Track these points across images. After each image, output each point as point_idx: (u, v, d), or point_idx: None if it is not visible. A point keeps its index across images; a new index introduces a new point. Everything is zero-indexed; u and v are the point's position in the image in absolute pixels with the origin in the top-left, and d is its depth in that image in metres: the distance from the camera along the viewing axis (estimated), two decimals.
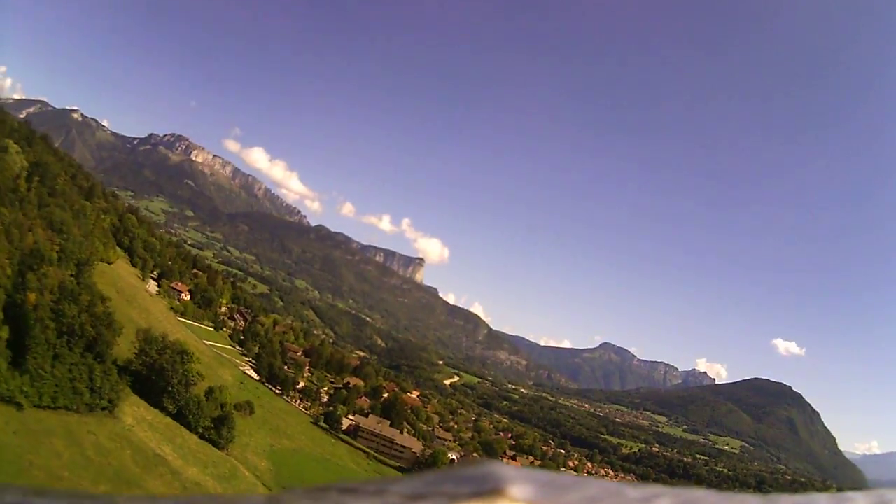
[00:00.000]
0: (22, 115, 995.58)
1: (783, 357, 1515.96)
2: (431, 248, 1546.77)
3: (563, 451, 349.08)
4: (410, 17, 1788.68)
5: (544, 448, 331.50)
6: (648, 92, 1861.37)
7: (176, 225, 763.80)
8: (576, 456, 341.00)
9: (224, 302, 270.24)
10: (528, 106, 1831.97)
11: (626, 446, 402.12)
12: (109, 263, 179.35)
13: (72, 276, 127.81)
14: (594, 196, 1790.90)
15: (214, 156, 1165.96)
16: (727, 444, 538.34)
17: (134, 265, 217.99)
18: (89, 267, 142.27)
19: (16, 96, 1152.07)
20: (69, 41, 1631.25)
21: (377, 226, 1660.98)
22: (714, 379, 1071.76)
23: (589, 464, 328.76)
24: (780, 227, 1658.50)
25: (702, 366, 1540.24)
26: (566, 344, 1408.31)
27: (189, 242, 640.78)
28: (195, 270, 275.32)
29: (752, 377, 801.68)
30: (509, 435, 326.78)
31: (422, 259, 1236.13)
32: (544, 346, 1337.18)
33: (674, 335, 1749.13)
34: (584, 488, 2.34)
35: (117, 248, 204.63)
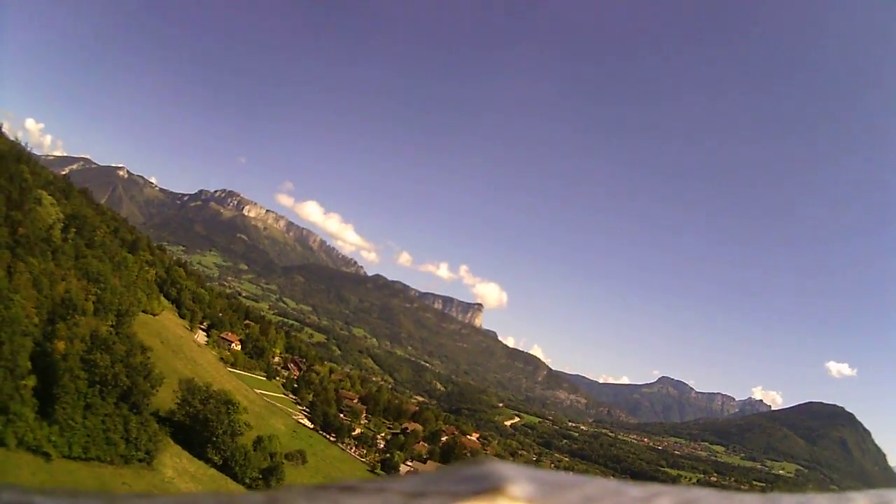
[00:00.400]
0: (64, 172, 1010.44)
1: (836, 379, 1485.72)
2: (490, 293, 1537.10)
3: None
4: (460, 72, 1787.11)
5: None
6: (685, 130, 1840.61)
7: (230, 278, 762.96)
8: None
9: (277, 351, 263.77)
10: (570, 153, 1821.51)
11: (686, 478, 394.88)
12: (154, 315, 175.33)
13: (111, 326, 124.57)
14: (645, 236, 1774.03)
15: (267, 210, 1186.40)
16: (783, 469, 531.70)
17: (182, 316, 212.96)
18: (130, 317, 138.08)
19: (57, 153, 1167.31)
20: (111, 100, 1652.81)
21: (435, 273, 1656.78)
22: (770, 406, 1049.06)
23: None
24: (826, 253, 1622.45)
25: (758, 394, 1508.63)
26: (625, 380, 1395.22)
27: (244, 295, 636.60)
28: (247, 321, 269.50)
29: (807, 401, 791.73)
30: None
31: (480, 304, 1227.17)
32: (603, 384, 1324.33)
33: (729, 365, 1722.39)
34: (583, 487, 2.34)
35: (163, 300, 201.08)
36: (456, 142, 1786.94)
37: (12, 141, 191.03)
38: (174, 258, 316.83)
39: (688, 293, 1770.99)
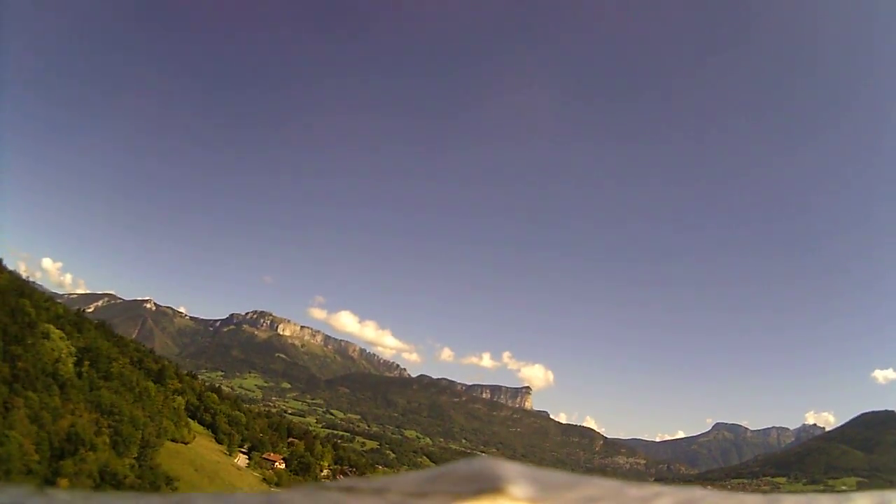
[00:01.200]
0: (90, 309, 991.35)
1: (883, 386, 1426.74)
2: (535, 375, 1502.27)
3: None
4: (476, 176, 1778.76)
5: None
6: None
7: (274, 398, 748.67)
8: None
9: (325, 464, 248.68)
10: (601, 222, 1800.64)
11: None
12: (185, 443, 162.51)
13: (134, 458, 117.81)
14: (676, 292, 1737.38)
15: (302, 326, 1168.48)
16: (844, 485, 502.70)
17: (219, 442, 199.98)
18: (155, 449, 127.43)
19: (80, 291, 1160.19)
20: (128, 236, 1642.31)
21: (479, 364, 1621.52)
22: (824, 427, 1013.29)
23: None
24: (853, 267, 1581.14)
25: (810, 419, 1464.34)
26: (680, 434, 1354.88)
27: (290, 412, 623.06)
28: (291, 438, 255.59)
29: (859, 414, 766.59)
30: None
31: (528, 387, 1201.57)
32: (660, 442, 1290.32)
33: (779, 398, 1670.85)
34: (583, 487, 2.38)
35: (196, 427, 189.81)
36: (482, 235, 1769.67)
37: (13, 274, 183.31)
38: (207, 383, 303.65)
39: (728, 336, 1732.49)
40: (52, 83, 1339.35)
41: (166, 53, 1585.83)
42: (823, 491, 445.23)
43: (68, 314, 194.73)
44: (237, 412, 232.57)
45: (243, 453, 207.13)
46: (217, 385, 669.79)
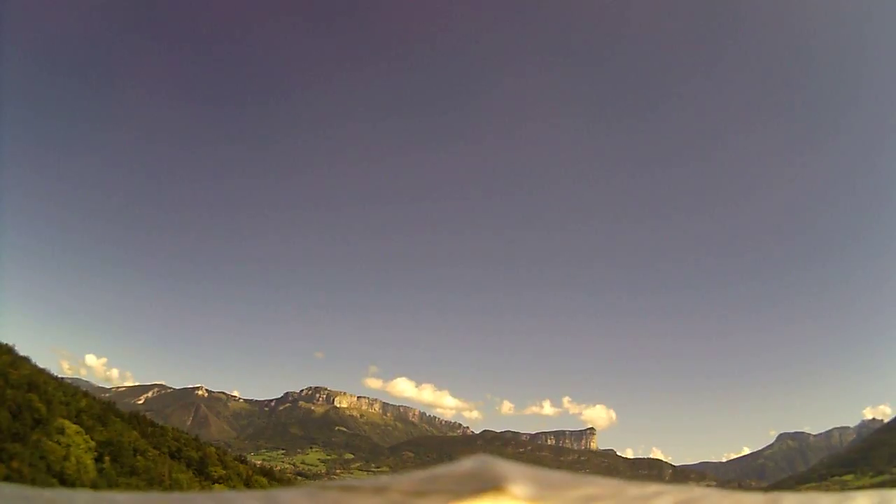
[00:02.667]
0: (140, 401, 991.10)
1: None
2: (598, 415, 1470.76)
3: None
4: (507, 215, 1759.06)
5: None
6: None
7: (338, 471, 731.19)
8: None
9: None
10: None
11: None
12: None
13: None
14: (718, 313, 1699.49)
15: (359, 397, 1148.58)
16: None
17: None
18: None
19: (128, 384, 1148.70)
20: (172, 325, 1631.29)
21: (540, 413, 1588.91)
22: (882, 420, 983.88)
23: None
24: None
25: (868, 414, 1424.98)
26: (746, 450, 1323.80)
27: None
28: None
29: None
30: None
31: (592, 428, 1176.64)
32: (727, 462, 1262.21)
33: (836, 398, 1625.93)
34: (583, 486, 2.39)
35: None
36: (527, 283, 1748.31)
37: (36, 368, 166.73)
38: (260, 464, 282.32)
39: (779, 344, 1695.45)
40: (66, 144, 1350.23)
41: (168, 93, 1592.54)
42: (891, 481, 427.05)
43: (93, 408, 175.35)
44: None
45: None
46: (273, 466, 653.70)
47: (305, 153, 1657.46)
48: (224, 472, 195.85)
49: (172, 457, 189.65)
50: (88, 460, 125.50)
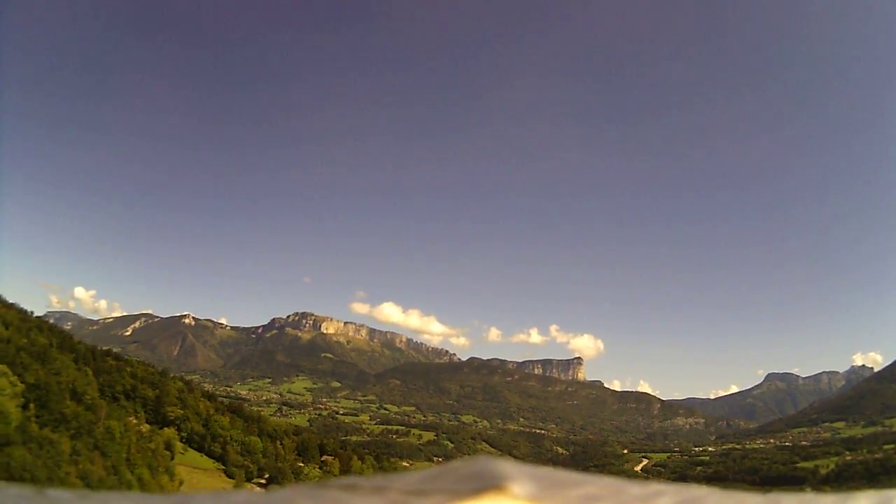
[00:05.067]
0: (127, 333, 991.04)
1: None
2: (585, 345, 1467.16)
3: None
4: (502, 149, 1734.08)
5: None
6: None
7: (325, 399, 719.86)
8: None
9: None
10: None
11: (823, 466, 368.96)
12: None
13: None
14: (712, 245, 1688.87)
15: (346, 323, 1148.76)
16: None
17: (230, 476, 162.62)
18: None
19: (115, 314, 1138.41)
20: (157, 253, 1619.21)
21: (527, 341, 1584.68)
22: (872, 368, 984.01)
23: None
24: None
25: (858, 360, 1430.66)
26: (734, 389, 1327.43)
27: (342, 412, 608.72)
28: (324, 457, 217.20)
29: None
30: None
31: (579, 358, 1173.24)
32: (715, 399, 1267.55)
33: (826, 342, 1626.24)
34: (584, 485, 2.34)
35: (200, 463, 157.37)
36: (515, 211, 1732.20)
37: None
38: (229, 401, 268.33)
39: (771, 286, 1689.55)
40: (59, 92, 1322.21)
41: (160, 58, 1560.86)
42: (883, 433, 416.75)
43: (35, 344, 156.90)
44: (253, 438, 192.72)
45: (261, 486, 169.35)
46: (259, 396, 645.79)
47: (292, 94, 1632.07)
48: (182, 412, 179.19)
49: (128, 397, 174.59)
50: (11, 407, 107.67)
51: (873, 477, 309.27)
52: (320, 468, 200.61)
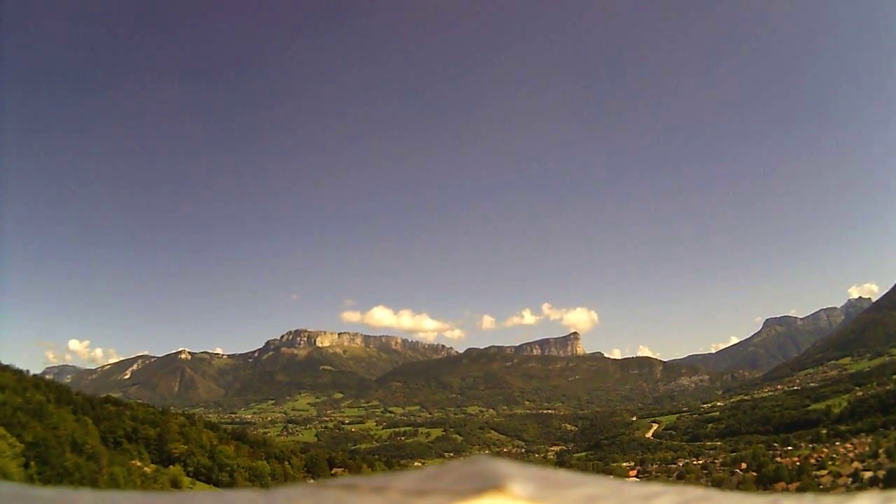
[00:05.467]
0: (126, 376, 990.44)
1: None
2: (579, 319, 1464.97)
3: (789, 447, 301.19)
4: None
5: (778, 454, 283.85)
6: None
7: (329, 411, 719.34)
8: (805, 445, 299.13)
9: None
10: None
11: (835, 405, 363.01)
12: None
13: None
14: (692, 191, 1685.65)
15: (340, 333, 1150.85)
16: None
17: None
18: None
19: (112, 361, 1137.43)
20: (145, 294, 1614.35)
21: (521, 323, 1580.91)
22: (870, 298, 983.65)
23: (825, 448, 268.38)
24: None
25: (854, 293, 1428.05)
26: (734, 340, 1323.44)
27: (348, 422, 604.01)
28: (334, 470, 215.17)
29: None
30: (743, 466, 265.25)
31: (575, 332, 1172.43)
32: (717, 353, 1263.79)
33: (820, 279, 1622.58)
34: (584, 486, 2.29)
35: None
36: (491, 196, 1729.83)
37: None
38: (231, 429, 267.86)
39: (756, 228, 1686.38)
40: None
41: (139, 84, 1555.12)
42: (892, 363, 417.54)
43: (30, 402, 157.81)
44: (260, 462, 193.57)
45: None
46: (264, 418, 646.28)
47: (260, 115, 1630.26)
48: (185, 447, 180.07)
49: (130, 440, 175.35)
50: (13, 468, 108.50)
51: (887, 409, 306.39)
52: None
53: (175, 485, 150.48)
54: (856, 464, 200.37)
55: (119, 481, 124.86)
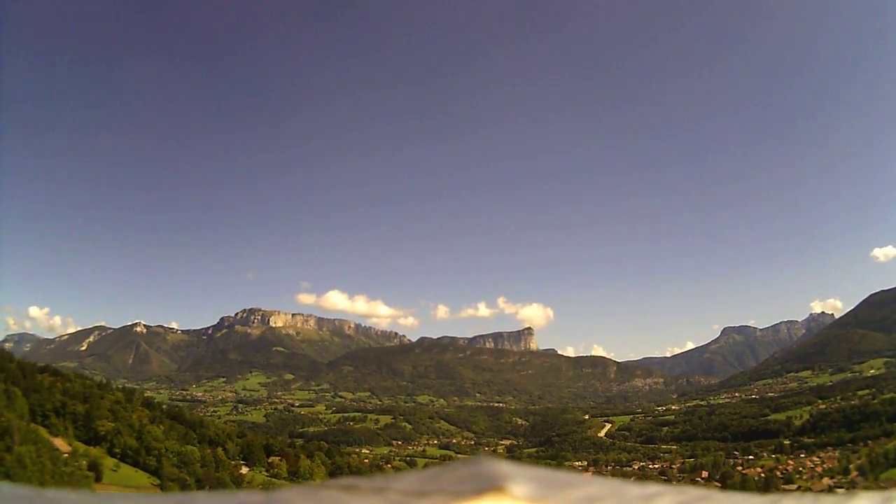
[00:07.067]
0: (83, 347, 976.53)
1: (885, 264, 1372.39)
2: (534, 314, 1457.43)
3: (750, 456, 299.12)
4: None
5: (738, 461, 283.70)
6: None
7: (280, 392, 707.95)
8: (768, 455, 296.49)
9: (318, 480, 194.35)
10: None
11: (796, 417, 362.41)
12: None
13: None
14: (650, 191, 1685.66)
15: (294, 314, 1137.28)
16: (872, 368, 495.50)
17: (163, 489, 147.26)
18: None
19: (70, 330, 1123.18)
20: (105, 264, 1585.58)
21: (476, 315, 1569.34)
22: (833, 314, 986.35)
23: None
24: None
25: (817, 308, 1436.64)
26: (690, 346, 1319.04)
27: (297, 404, 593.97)
28: (270, 458, 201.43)
29: (868, 295, 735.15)
30: (704, 474, 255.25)
31: (529, 328, 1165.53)
32: (672, 357, 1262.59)
33: (782, 292, 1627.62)
34: (584, 486, 2.28)
35: (131, 479, 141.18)
36: (452, 187, 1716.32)
37: None
38: (167, 406, 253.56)
39: (720, 237, 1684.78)
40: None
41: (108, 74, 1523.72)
42: (854, 380, 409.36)
43: None
44: (190, 447, 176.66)
45: None
46: (215, 396, 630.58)
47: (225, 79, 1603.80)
48: (113, 425, 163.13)
49: (58, 415, 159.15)
50: None
51: (852, 424, 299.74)
52: (267, 471, 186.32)
53: (93, 468, 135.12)
54: (826, 479, 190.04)
55: (25, 462, 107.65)
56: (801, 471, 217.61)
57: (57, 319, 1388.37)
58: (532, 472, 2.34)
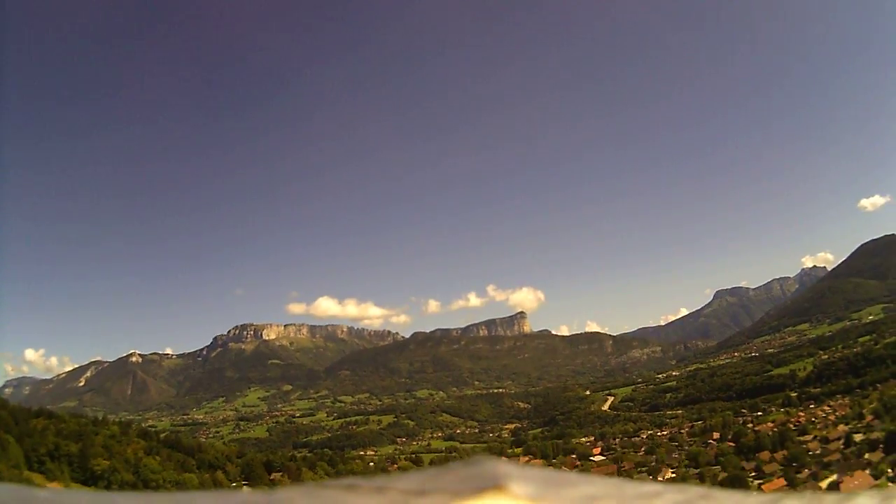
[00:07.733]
0: (81, 384, 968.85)
1: (872, 213, 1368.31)
2: (525, 298, 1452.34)
3: (759, 412, 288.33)
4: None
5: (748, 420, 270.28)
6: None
7: (280, 404, 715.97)
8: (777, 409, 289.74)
9: None
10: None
11: (800, 369, 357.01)
12: None
13: None
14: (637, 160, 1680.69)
15: (286, 325, 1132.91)
16: (871, 315, 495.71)
17: None
18: None
19: (67, 369, 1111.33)
20: (96, 299, 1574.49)
21: (467, 306, 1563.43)
22: (825, 267, 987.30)
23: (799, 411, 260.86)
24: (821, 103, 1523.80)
25: (808, 262, 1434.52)
26: (683, 312, 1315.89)
27: (299, 414, 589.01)
28: (272, 475, 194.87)
29: (859, 245, 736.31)
30: (716, 436, 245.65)
31: (522, 312, 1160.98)
32: (666, 325, 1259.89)
33: (772, 249, 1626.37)
34: (584, 485, 2.29)
35: None
36: (428, 181, 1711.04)
37: None
38: (165, 434, 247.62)
39: (705, 199, 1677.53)
40: None
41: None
42: (853, 328, 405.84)
43: None
44: (187, 475, 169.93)
45: None
46: (217, 416, 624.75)
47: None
48: (108, 462, 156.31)
49: (52, 458, 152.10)
50: None
51: (858, 371, 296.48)
52: (269, 485, 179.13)
53: None
54: (841, 426, 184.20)
55: None
56: (813, 421, 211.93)
57: (53, 360, 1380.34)
58: (532, 472, 2.36)
